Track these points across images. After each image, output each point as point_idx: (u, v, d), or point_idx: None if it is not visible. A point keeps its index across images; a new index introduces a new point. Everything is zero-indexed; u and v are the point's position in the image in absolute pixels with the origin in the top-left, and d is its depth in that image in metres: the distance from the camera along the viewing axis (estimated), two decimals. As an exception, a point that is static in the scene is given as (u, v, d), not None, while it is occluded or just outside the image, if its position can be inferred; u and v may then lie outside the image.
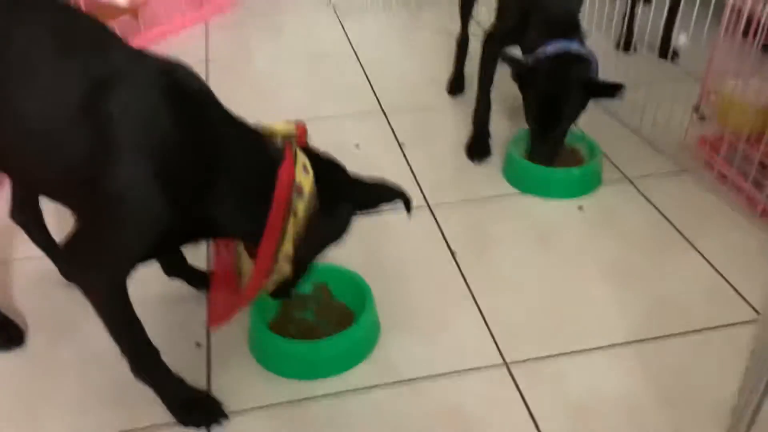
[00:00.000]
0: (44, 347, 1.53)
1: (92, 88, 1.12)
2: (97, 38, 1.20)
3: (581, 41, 1.90)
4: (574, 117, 1.91)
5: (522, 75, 1.90)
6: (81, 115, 1.12)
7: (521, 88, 1.93)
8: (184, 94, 1.18)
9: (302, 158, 1.23)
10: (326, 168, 1.29)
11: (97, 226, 1.18)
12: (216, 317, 1.30)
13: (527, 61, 1.90)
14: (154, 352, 1.32)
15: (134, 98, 1.13)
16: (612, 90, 1.84)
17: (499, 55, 2.06)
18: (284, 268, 1.24)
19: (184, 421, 1.34)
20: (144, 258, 1.23)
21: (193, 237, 1.28)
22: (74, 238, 1.21)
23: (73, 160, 1.13)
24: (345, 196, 1.30)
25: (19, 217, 1.61)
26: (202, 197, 1.18)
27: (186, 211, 1.17)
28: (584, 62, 1.88)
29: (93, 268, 1.20)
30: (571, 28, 1.91)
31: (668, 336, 1.52)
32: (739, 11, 1.89)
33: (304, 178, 1.21)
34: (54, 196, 1.26)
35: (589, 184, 1.99)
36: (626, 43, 2.79)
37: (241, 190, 1.21)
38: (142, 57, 1.20)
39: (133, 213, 1.14)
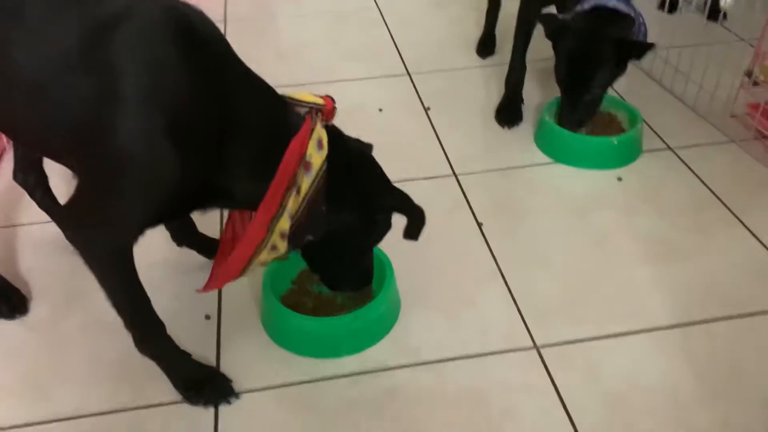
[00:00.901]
0: (49, 316, 1.46)
1: (93, 30, 1.00)
2: None
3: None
4: (607, 80, 1.75)
5: (554, 31, 1.75)
6: (82, 61, 1.00)
7: (554, 47, 1.78)
8: (197, 39, 1.06)
9: (320, 133, 1.12)
10: (343, 151, 1.17)
11: (101, 186, 1.07)
12: (208, 284, 1.20)
13: (562, 19, 1.76)
14: (159, 326, 1.24)
15: (141, 40, 1.00)
16: (643, 49, 1.70)
17: (537, 15, 1.91)
18: (279, 244, 1.12)
19: (190, 398, 1.27)
20: (151, 223, 1.14)
21: (201, 202, 1.17)
22: (76, 200, 1.10)
23: (75, 112, 1.02)
24: (355, 193, 1.19)
25: (22, 178, 1.53)
26: (211, 156, 1.08)
27: (195, 171, 1.07)
28: (625, 20, 1.72)
29: (96, 233, 1.10)
30: None
31: (714, 320, 1.40)
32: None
33: (317, 153, 1.10)
34: (55, 155, 1.16)
35: (629, 154, 1.86)
36: (671, 3, 2.60)
37: (251, 153, 1.10)
38: None
39: (141, 170, 1.03)
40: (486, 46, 2.37)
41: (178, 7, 1.07)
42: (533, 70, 2.09)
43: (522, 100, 2.04)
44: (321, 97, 1.19)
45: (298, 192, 1.09)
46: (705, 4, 2.51)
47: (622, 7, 1.72)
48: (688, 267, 1.53)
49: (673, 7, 2.60)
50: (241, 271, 1.15)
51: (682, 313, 1.41)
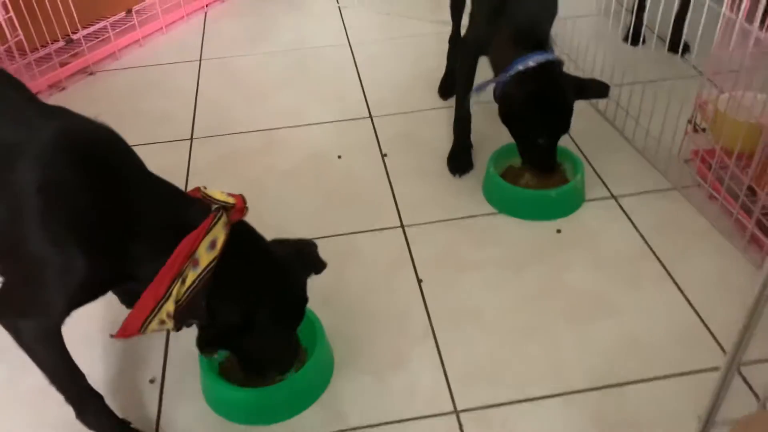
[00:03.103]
0: (5, 377, 1.56)
1: (1, 157, 1.11)
2: (4, 98, 1.18)
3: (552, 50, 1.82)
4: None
5: (515, 95, 1.77)
6: None
7: (516, 109, 1.80)
8: (93, 155, 1.18)
9: (218, 234, 1.21)
10: (238, 253, 1.25)
11: (22, 282, 1.20)
12: (118, 332, 1.30)
13: (506, 80, 1.78)
14: (96, 398, 1.34)
15: (39, 167, 1.13)
16: (600, 90, 1.82)
17: (475, 62, 1.98)
18: (166, 321, 1.23)
19: (128, 467, 1.36)
20: (71, 308, 1.24)
21: (111, 285, 1.31)
22: (3, 293, 1.24)
23: None
24: (236, 294, 1.26)
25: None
26: (115, 251, 1.19)
27: (101, 265, 1.19)
28: (562, 67, 1.81)
29: (24, 319, 1.23)
30: (545, 39, 1.82)
31: (630, 383, 1.46)
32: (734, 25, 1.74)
33: (206, 254, 1.19)
34: None
35: (568, 205, 1.91)
36: (634, 35, 2.64)
37: (149, 247, 1.21)
38: (47, 117, 1.19)
39: (53, 272, 1.16)
40: (446, 88, 2.42)
41: (73, 127, 1.19)
42: (482, 113, 2.14)
43: (471, 146, 2.10)
44: (233, 195, 1.27)
45: (183, 282, 1.19)
46: (672, 38, 2.54)
47: (553, 57, 1.78)
48: (614, 325, 1.59)
49: (636, 38, 2.63)
50: (138, 331, 1.25)
51: (599, 376, 1.48)
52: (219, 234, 1.21)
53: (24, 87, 1.28)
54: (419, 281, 1.74)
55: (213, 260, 1.20)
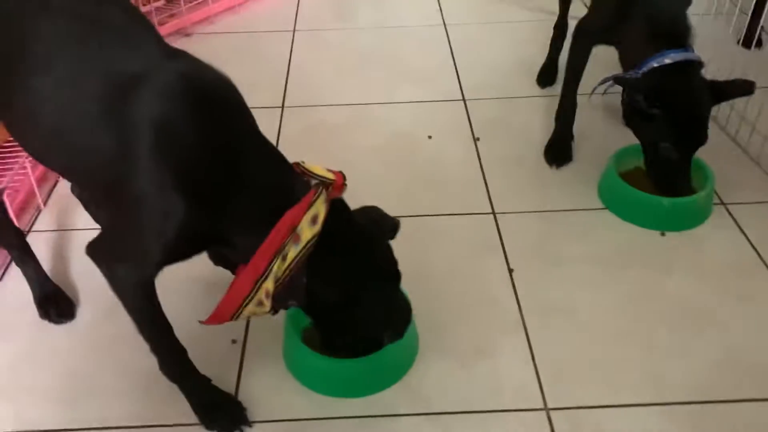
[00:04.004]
0: (91, 324, 1.57)
1: (116, 89, 1.09)
2: (126, 31, 1.17)
3: (692, 47, 1.68)
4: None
5: (645, 95, 1.63)
6: (103, 117, 1.10)
7: (645, 111, 1.66)
8: (211, 104, 1.14)
9: (319, 209, 1.15)
10: (338, 230, 1.19)
11: (123, 224, 1.18)
12: (209, 318, 1.26)
13: (638, 77, 1.64)
14: (180, 353, 1.32)
15: (159, 103, 1.09)
16: (744, 87, 1.66)
17: (589, 50, 1.88)
18: (264, 301, 1.18)
19: (206, 423, 1.34)
20: (166, 261, 1.21)
21: (206, 245, 1.25)
22: (102, 235, 1.23)
23: (97, 161, 1.12)
24: (336, 272, 1.21)
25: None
26: (216, 210, 1.14)
27: (200, 221, 1.14)
28: (702, 68, 1.68)
29: (118, 266, 1.20)
30: (685, 33, 1.68)
31: (738, 401, 1.36)
32: None
33: (308, 228, 1.14)
34: (85, 187, 1.26)
35: (686, 219, 1.77)
36: (748, 37, 2.48)
37: (250, 214, 1.16)
38: (170, 56, 1.16)
39: (152, 218, 1.12)
40: (547, 76, 2.33)
41: (196, 73, 1.15)
42: (586, 106, 2.04)
43: (572, 138, 2.01)
44: (333, 172, 1.22)
45: (284, 259, 1.14)
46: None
47: (694, 56, 1.65)
48: (720, 339, 1.48)
49: (749, 41, 2.47)
50: (231, 317, 1.21)
51: (700, 390, 1.38)
52: (320, 209, 1.16)
53: (153, 28, 1.24)
54: (510, 270, 1.66)
55: (314, 236, 1.15)
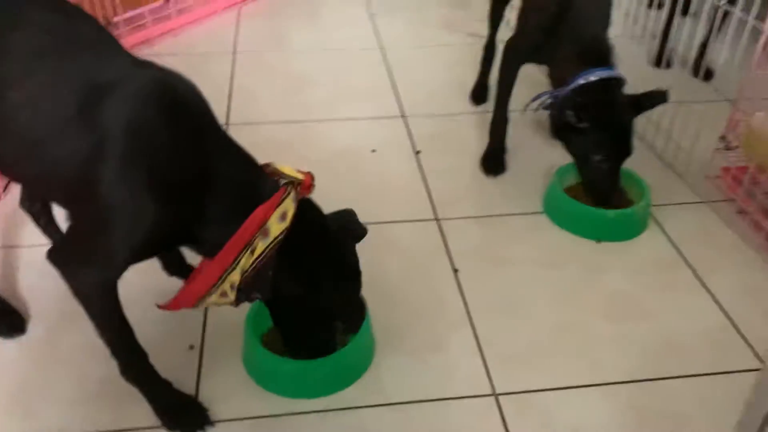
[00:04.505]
0: (43, 336, 1.56)
1: (88, 96, 1.13)
2: (95, 43, 1.21)
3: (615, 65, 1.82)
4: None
5: (575, 110, 1.73)
6: (77, 122, 1.13)
7: (575, 125, 1.76)
8: (181, 108, 1.19)
9: (288, 207, 1.22)
10: (306, 228, 1.26)
11: (90, 228, 1.20)
12: (168, 304, 1.30)
13: (567, 94, 1.76)
14: (141, 355, 1.34)
15: (129, 108, 1.14)
16: (659, 97, 1.79)
17: (518, 68, 2.01)
18: (228, 293, 1.23)
19: (168, 425, 1.36)
20: (132, 260, 1.24)
21: (174, 243, 1.30)
22: (68, 238, 1.25)
23: (70, 166, 1.15)
24: (301, 268, 1.26)
25: (29, 206, 1.64)
26: (186, 208, 1.20)
27: (170, 219, 1.19)
28: (624, 85, 1.81)
29: (84, 267, 1.22)
30: (608, 53, 1.81)
31: (665, 378, 1.49)
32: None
33: (277, 224, 1.20)
34: (51, 197, 1.27)
35: (626, 230, 1.90)
36: (659, 58, 2.71)
37: (220, 211, 1.21)
38: (139, 65, 1.21)
39: (124, 217, 1.16)
40: (479, 94, 2.48)
41: (166, 78, 1.20)
42: (517, 120, 2.18)
43: (506, 150, 2.14)
44: (302, 172, 1.29)
45: (252, 252, 1.20)
46: (695, 63, 2.62)
47: (617, 73, 1.78)
48: (649, 326, 1.61)
49: (659, 61, 2.70)
50: (194, 304, 1.26)
51: (635, 370, 1.50)
52: (289, 207, 1.22)
53: (118, 41, 1.29)
54: (455, 271, 1.76)
55: (282, 232, 1.21)
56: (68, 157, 1.14)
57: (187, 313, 1.61)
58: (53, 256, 1.24)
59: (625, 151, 1.81)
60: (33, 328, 1.58)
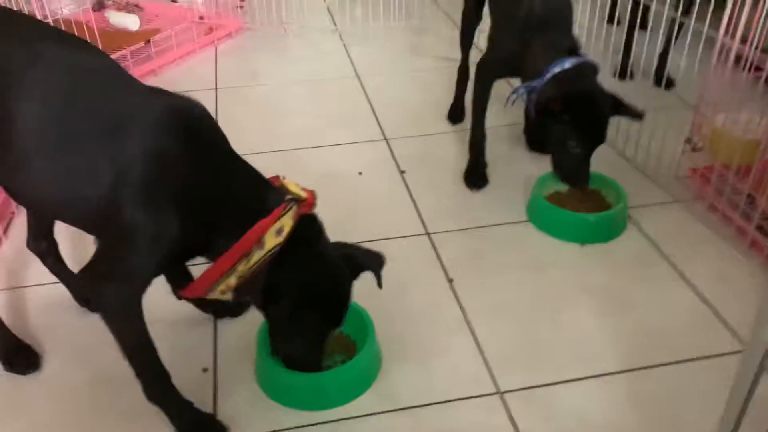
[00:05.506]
0: (59, 371, 1.60)
1: (110, 127, 1.23)
2: (109, 75, 1.30)
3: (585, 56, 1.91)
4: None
5: (552, 96, 1.81)
6: (101, 153, 1.23)
7: (552, 111, 1.83)
8: (196, 133, 1.29)
9: (285, 223, 1.30)
10: (300, 245, 1.33)
11: (116, 247, 1.29)
12: (186, 290, 1.40)
13: (543, 83, 1.85)
14: (165, 375, 1.41)
15: (150, 135, 1.24)
16: (636, 113, 1.88)
17: (491, 84, 2.13)
18: (228, 292, 1.33)
19: (191, 444, 1.41)
20: (156, 274, 1.33)
21: (190, 255, 1.38)
22: (96, 259, 1.32)
23: (94, 192, 1.24)
24: (288, 280, 1.33)
25: (35, 246, 1.69)
26: (202, 222, 1.29)
27: (190, 233, 1.28)
28: (597, 71, 1.89)
29: (112, 285, 1.30)
30: (576, 45, 1.91)
31: (655, 366, 1.58)
32: (728, 50, 1.95)
33: (272, 238, 1.29)
34: (80, 224, 1.35)
35: (606, 231, 2.00)
36: (622, 71, 2.86)
37: (228, 223, 1.31)
38: (153, 94, 1.30)
39: (148, 236, 1.25)
40: (456, 114, 2.59)
41: (178, 105, 1.30)
42: (494, 135, 2.30)
43: (486, 164, 2.25)
44: (306, 190, 1.38)
45: (249, 260, 1.30)
46: (657, 73, 2.77)
47: (589, 60, 1.88)
48: (635, 318, 1.72)
49: (624, 74, 2.86)
50: (202, 293, 1.35)
51: (628, 359, 1.59)
52: (286, 223, 1.31)
53: (125, 70, 1.37)
54: (450, 280, 1.85)
55: (276, 246, 1.30)
56: (94, 186, 1.23)
57: (198, 337, 1.69)
58: (82, 275, 1.32)
59: (599, 138, 1.89)
60: (47, 364, 1.62)
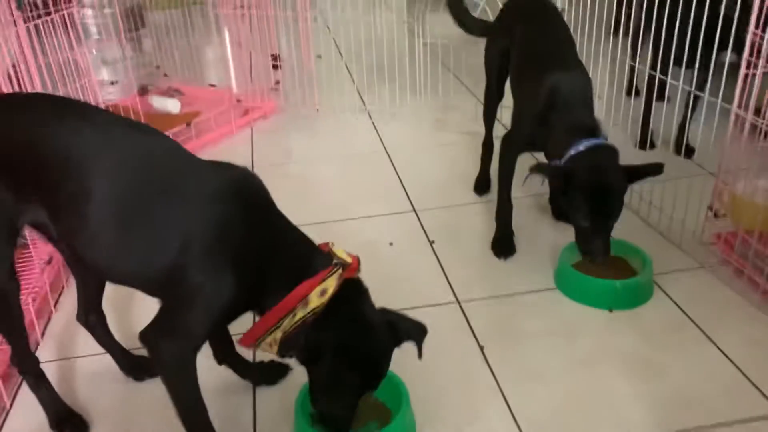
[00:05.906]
0: (106, 439, 1.67)
1: (177, 201, 1.37)
2: (173, 155, 1.44)
3: (605, 137, 2.01)
4: (621, 206, 1.96)
5: (565, 175, 1.91)
6: (171, 225, 1.36)
7: (564, 190, 1.94)
8: (251, 201, 1.43)
9: (329, 285, 1.39)
10: (343, 306, 1.41)
11: (177, 306, 1.39)
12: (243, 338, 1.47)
13: (558, 164, 1.97)
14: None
15: (211, 206, 1.38)
16: (654, 169, 1.93)
17: (516, 158, 2.23)
18: (273, 345, 1.42)
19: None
20: (211, 331, 1.46)
21: (243, 310, 1.48)
22: (157, 319, 1.42)
23: (164, 260, 1.36)
24: (327, 340, 1.40)
25: (85, 319, 1.79)
26: (256, 284, 1.40)
27: (245, 294, 1.40)
28: (616, 153, 1.97)
29: (167, 342, 1.40)
30: (596, 127, 2.01)
31: (689, 430, 1.59)
32: (743, 121, 2.03)
33: (316, 298, 1.39)
34: (141, 288, 1.47)
35: (632, 297, 2.04)
36: (642, 141, 2.95)
37: (278, 283, 1.40)
38: (214, 168, 1.44)
39: (207, 296, 1.37)
40: (482, 186, 2.69)
41: (235, 176, 1.44)
42: (520, 205, 2.38)
43: (513, 233, 2.32)
44: (351, 256, 1.48)
45: (293, 317, 1.39)
46: (676, 143, 2.86)
47: (606, 142, 1.98)
48: (665, 383, 1.74)
49: (644, 144, 2.94)
50: (253, 344, 1.44)
51: (659, 425, 1.61)
52: (330, 285, 1.40)
53: (185, 148, 1.49)
54: (481, 347, 1.90)
55: (318, 306, 1.39)
56: (164, 253, 1.35)
57: (237, 402, 1.75)
58: (143, 335, 1.41)
59: (607, 212, 1.93)
60: (96, 430, 1.69)
